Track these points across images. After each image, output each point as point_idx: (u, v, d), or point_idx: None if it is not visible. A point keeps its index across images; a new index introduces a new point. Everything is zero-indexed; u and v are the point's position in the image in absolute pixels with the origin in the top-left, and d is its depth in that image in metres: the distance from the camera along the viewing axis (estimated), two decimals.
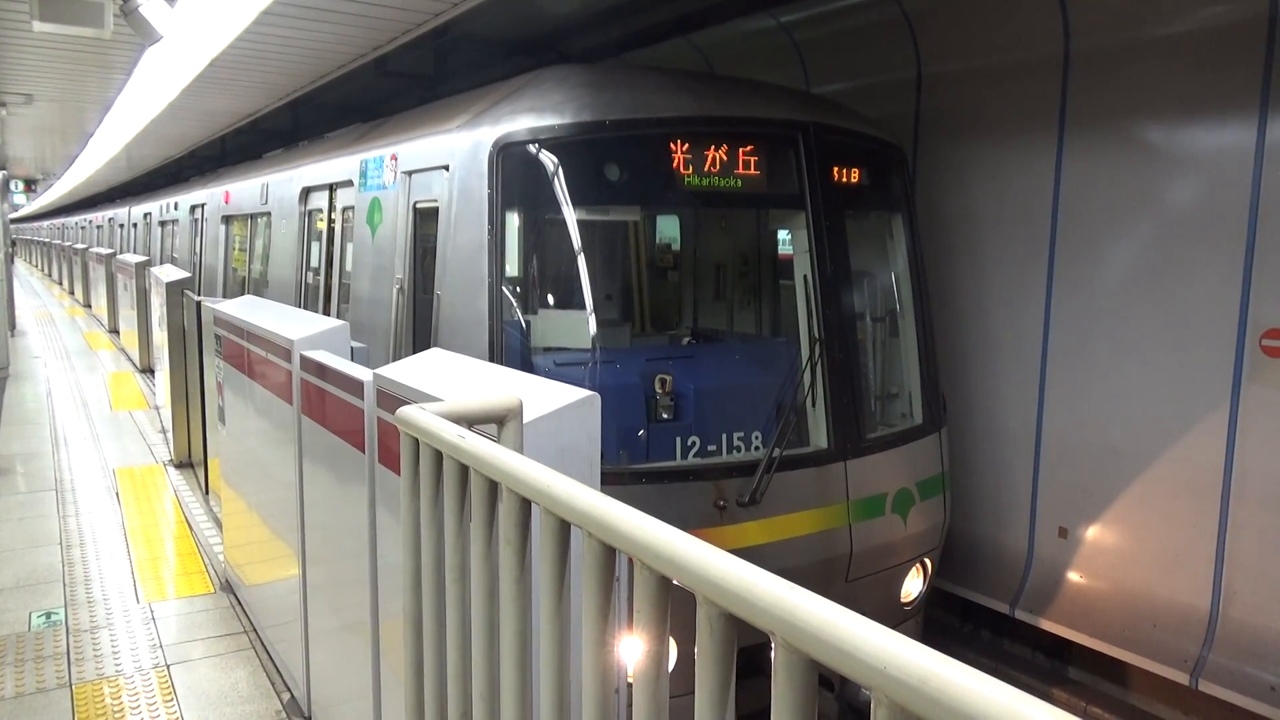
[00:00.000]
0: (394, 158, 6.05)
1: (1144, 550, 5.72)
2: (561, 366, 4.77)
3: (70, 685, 4.48)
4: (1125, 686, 5.93)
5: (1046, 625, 6.10)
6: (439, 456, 2.16)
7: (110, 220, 25.66)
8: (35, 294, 29.71)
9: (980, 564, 6.60)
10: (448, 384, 2.81)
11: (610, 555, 1.58)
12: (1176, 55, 5.40)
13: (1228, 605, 5.29)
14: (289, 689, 4.45)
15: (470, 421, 2.20)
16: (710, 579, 1.27)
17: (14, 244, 49.18)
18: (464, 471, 2.06)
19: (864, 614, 1.10)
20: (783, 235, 6.59)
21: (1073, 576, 6.09)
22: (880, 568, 5.13)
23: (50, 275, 39.09)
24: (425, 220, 5.61)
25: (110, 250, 20.72)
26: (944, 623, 6.82)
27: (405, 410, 2.24)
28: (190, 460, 8.43)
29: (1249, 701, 5.05)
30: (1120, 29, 5.64)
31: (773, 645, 1.17)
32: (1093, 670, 6.10)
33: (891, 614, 5.26)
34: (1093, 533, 6.00)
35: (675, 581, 1.40)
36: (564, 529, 1.71)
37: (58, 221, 46.82)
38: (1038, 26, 6.00)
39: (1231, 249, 5.21)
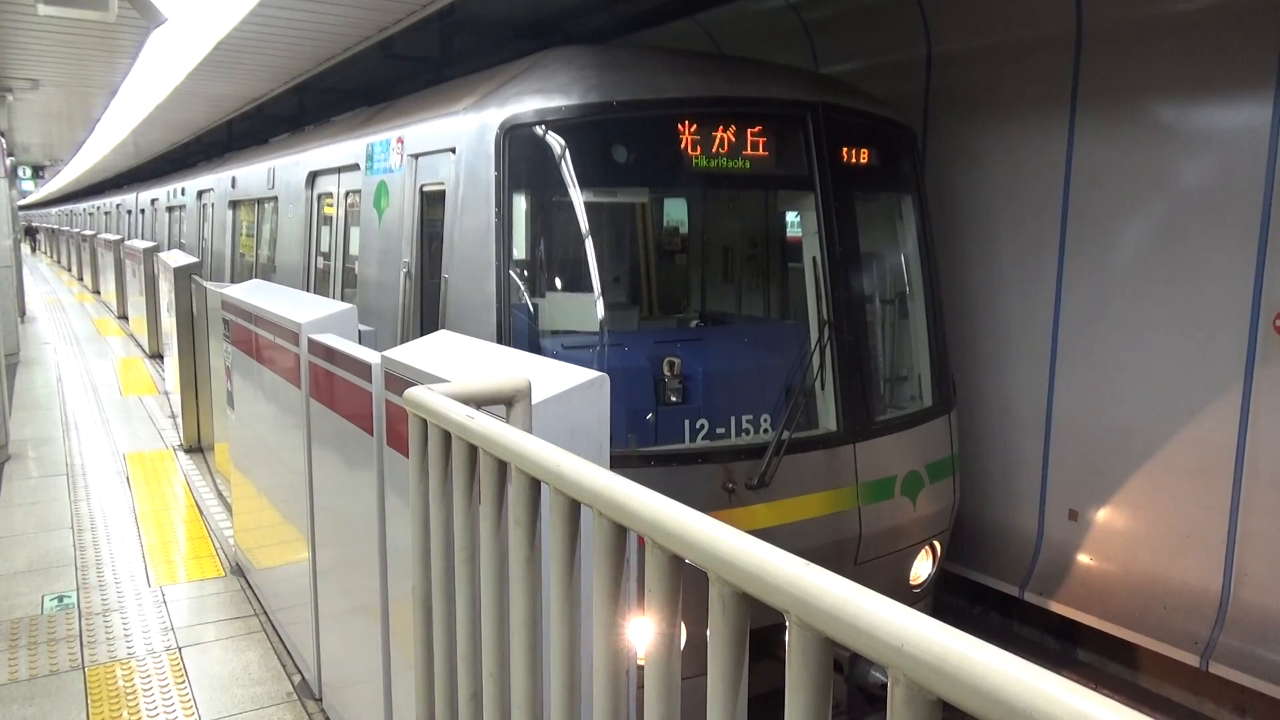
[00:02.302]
0: (400, 141, 6.03)
1: (1155, 532, 5.69)
2: (569, 349, 4.76)
3: (83, 667, 4.51)
4: (1135, 668, 5.92)
5: (1056, 607, 6.09)
6: (447, 437, 2.15)
7: (118, 206, 25.69)
8: (44, 280, 29.81)
9: (990, 546, 6.59)
10: (456, 366, 2.80)
11: (621, 535, 1.57)
12: (1191, 33, 5.33)
13: (1239, 587, 5.27)
14: (300, 671, 4.47)
15: (479, 403, 2.19)
16: (723, 557, 1.26)
17: (35, 233, 49.11)
18: (473, 452, 2.05)
19: None
20: (791, 217, 6.55)
21: (1083, 559, 6.07)
22: (889, 550, 5.12)
23: (59, 262, 39.21)
24: (432, 203, 5.59)
25: (118, 236, 20.76)
26: (953, 605, 6.81)
27: (413, 391, 2.23)
28: (200, 445, 8.46)
29: (1260, 683, 5.03)
30: (1133, 5, 5.57)
31: (787, 624, 1.16)
32: (1102, 652, 6.09)
33: (900, 596, 5.22)
34: (1103, 515, 5.98)
35: (687, 560, 1.39)
36: (574, 508, 1.70)
37: (65, 208, 46.94)
38: (1049, 3, 5.93)
39: (1245, 230, 5.15)
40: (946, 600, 6.70)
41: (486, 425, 1.95)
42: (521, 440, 1.83)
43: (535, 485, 1.82)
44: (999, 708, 0.89)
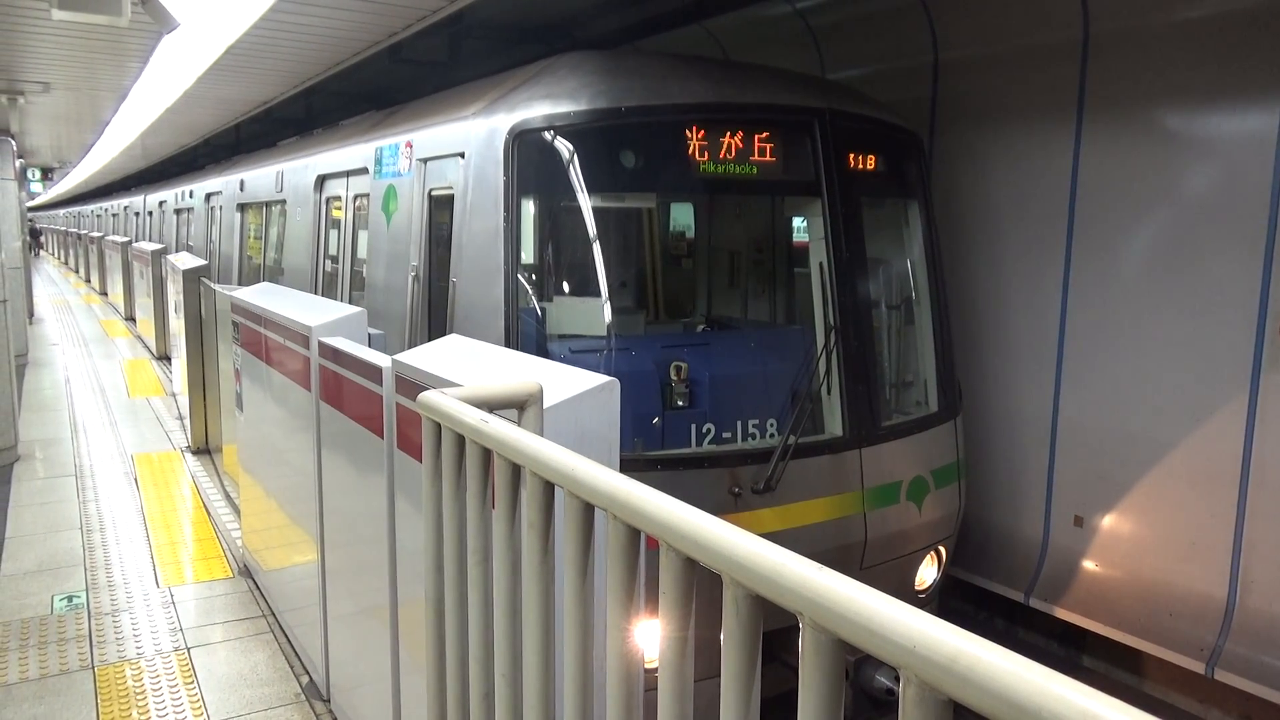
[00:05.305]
0: (409, 145, 6.06)
1: (1160, 538, 5.70)
2: (577, 354, 4.78)
3: (92, 667, 4.54)
4: (1140, 675, 5.92)
5: (1061, 614, 6.09)
6: (461, 441, 2.17)
7: (126, 208, 25.81)
8: (52, 281, 29.92)
9: (995, 552, 6.59)
10: (467, 370, 2.82)
11: (635, 537, 1.59)
12: (1196, 40, 5.35)
13: (1245, 594, 5.27)
14: (308, 672, 4.50)
15: (491, 407, 2.21)
16: (738, 560, 1.28)
17: (39, 234, 49.16)
18: (487, 455, 2.07)
19: None
20: (798, 222, 6.57)
21: (1088, 565, 6.08)
22: (894, 555, 5.14)
23: (66, 263, 39.34)
24: (440, 207, 5.62)
25: (126, 238, 20.84)
26: (958, 611, 6.82)
27: (427, 395, 2.26)
28: (208, 446, 8.50)
29: (1266, 691, 5.04)
30: (1140, 13, 5.59)
31: (800, 626, 1.18)
32: (1108, 659, 6.09)
33: (906, 601, 5.24)
34: (1109, 521, 5.98)
35: (700, 563, 1.41)
36: (588, 512, 1.72)
37: (73, 210, 47.12)
38: (1056, 10, 5.95)
39: (1251, 236, 5.16)
40: (952, 605, 6.71)
41: (501, 429, 1.97)
42: (536, 444, 1.85)
43: (549, 489, 1.85)
44: (1009, 707, 0.91)
